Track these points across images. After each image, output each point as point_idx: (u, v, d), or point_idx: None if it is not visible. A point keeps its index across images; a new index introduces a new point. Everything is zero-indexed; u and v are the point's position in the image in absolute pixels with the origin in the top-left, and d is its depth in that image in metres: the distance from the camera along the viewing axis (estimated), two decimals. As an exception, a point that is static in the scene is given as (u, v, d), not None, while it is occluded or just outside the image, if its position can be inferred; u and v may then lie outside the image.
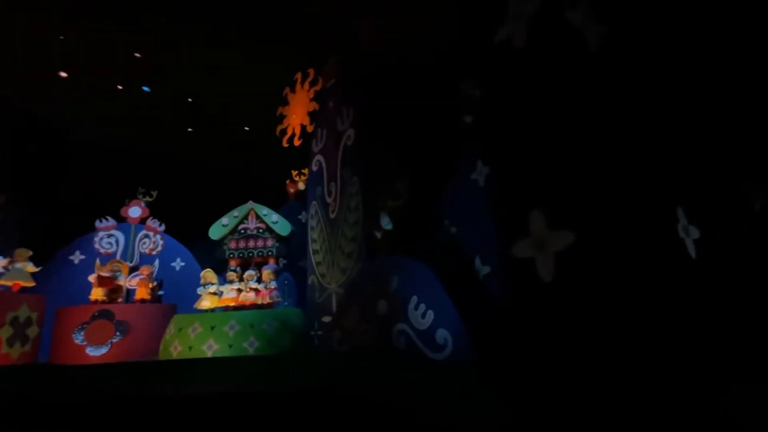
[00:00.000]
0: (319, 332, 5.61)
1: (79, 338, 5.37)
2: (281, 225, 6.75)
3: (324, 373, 3.82)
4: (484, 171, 3.41)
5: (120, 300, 5.95)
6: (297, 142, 6.87)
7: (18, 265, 5.48)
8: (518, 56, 2.14)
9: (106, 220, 6.53)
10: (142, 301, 5.94)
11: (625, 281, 1.88)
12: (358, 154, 5.29)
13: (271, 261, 6.55)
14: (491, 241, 3.09)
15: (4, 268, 5.42)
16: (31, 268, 5.57)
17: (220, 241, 6.66)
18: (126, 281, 6.11)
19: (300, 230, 7.01)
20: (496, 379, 2.44)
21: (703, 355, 1.90)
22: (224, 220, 6.66)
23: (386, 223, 4.32)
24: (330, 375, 3.70)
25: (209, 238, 6.68)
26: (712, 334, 1.93)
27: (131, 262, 6.43)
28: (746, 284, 2.01)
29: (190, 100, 8.53)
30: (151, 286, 6.06)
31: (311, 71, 6.72)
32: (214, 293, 5.78)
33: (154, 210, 6.84)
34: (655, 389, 1.94)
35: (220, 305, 5.71)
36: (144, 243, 6.61)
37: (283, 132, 7.09)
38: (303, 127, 6.75)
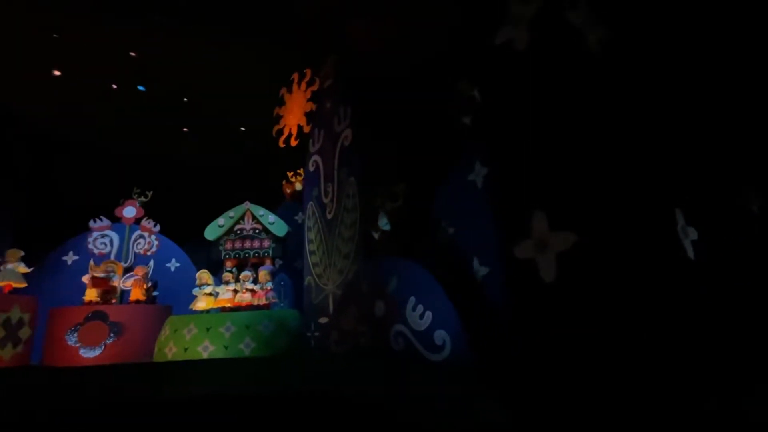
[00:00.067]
0: (316, 333, 5.59)
1: (72, 340, 5.31)
2: (278, 226, 6.72)
3: (321, 375, 3.80)
4: (482, 172, 3.41)
5: (114, 301, 5.89)
6: (294, 143, 6.85)
7: (9, 265, 5.41)
8: (519, 58, 2.15)
9: (101, 220, 6.47)
10: (137, 302, 5.88)
11: (626, 282, 1.88)
12: (356, 155, 5.28)
13: (268, 262, 6.51)
14: (490, 242, 3.09)
15: (-4, 269, 5.35)
16: (22, 268, 5.51)
17: (216, 242, 6.61)
18: (120, 282, 6.05)
19: (296, 231, 6.99)
20: (495, 380, 2.44)
21: (703, 356, 1.91)
22: (220, 220, 6.61)
23: (384, 223, 4.31)
24: (327, 377, 3.69)
25: (205, 239, 6.63)
26: (712, 334, 1.94)
27: (126, 262, 6.37)
28: (746, 285, 2.02)
29: (185, 99, 8.48)
30: (146, 287, 6.01)
31: (308, 71, 6.71)
32: (210, 294, 5.74)
33: (149, 210, 6.78)
34: (656, 390, 1.94)
35: (215, 306, 5.67)
36: (139, 243, 6.55)
37: (280, 132, 7.06)
38: (300, 127, 6.74)
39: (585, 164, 1.98)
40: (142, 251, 6.53)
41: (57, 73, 7.56)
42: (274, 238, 6.67)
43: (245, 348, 5.14)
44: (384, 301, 3.84)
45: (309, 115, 6.57)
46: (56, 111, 7.93)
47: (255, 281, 5.87)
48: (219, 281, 5.97)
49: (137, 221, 6.66)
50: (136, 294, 5.91)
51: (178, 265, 6.88)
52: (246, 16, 6.47)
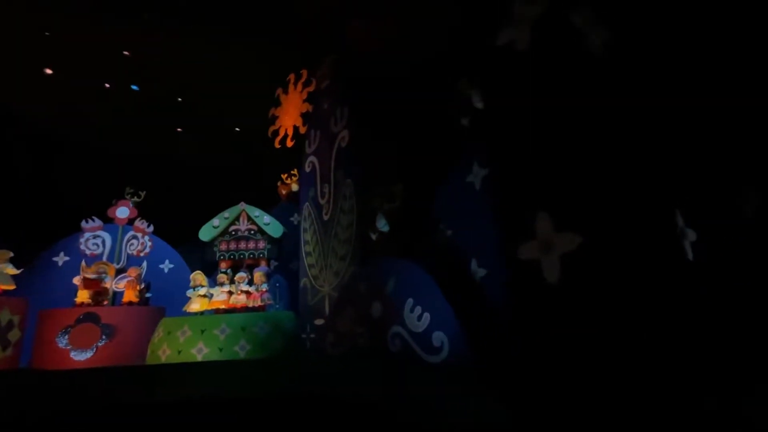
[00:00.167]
0: (312, 335, 5.55)
1: (62, 342, 5.21)
2: (273, 227, 6.67)
3: (317, 377, 3.76)
4: (481, 173, 3.41)
5: (106, 303, 5.80)
6: (289, 144, 6.81)
7: (-2, 267, 5.30)
8: (522, 59, 2.15)
9: (92, 220, 6.37)
10: (130, 303, 5.80)
11: (628, 282, 1.89)
12: (353, 156, 5.27)
13: (263, 263, 6.46)
14: (489, 243, 3.09)
15: (-16, 270, 5.24)
16: (11, 270, 5.39)
17: (211, 243, 6.55)
18: (113, 283, 5.96)
19: (292, 232, 6.95)
20: (495, 380, 2.43)
21: (703, 356, 1.91)
22: (215, 221, 6.56)
23: (383, 224, 4.29)
24: (324, 379, 3.65)
25: (199, 240, 6.57)
26: (712, 334, 1.95)
27: (118, 263, 6.28)
28: (745, 285, 2.03)
29: (180, 99, 8.41)
30: (139, 288, 5.93)
31: (304, 72, 6.69)
32: (204, 296, 5.67)
33: (143, 211, 6.69)
34: (656, 390, 1.94)
35: (210, 308, 5.61)
36: (132, 244, 6.46)
37: (275, 133, 7.03)
38: (296, 128, 6.71)
39: (588, 165, 1.98)
40: (135, 252, 6.44)
41: (49, 71, 7.47)
42: (270, 239, 6.63)
43: (240, 350, 5.09)
44: (381, 303, 3.82)
45: (305, 116, 6.55)
46: (51, 110, 7.82)
47: (250, 283, 5.82)
48: (213, 283, 5.90)
49: (130, 222, 6.57)
50: (129, 295, 5.82)
51: (171, 266, 6.79)
52: (243, 16, 6.45)
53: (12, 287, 5.36)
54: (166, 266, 6.77)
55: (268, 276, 6.18)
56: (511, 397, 2.25)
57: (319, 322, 5.35)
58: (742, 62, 1.99)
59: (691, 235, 2.11)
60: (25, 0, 5.86)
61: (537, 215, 2.04)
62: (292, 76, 6.92)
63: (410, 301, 3.53)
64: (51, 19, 6.21)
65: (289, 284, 6.89)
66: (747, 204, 2.06)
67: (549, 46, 2.10)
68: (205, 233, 6.53)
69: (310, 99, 6.49)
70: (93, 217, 6.39)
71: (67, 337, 5.24)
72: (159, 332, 5.26)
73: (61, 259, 6.36)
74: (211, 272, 6.22)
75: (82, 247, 6.21)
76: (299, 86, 6.75)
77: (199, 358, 4.98)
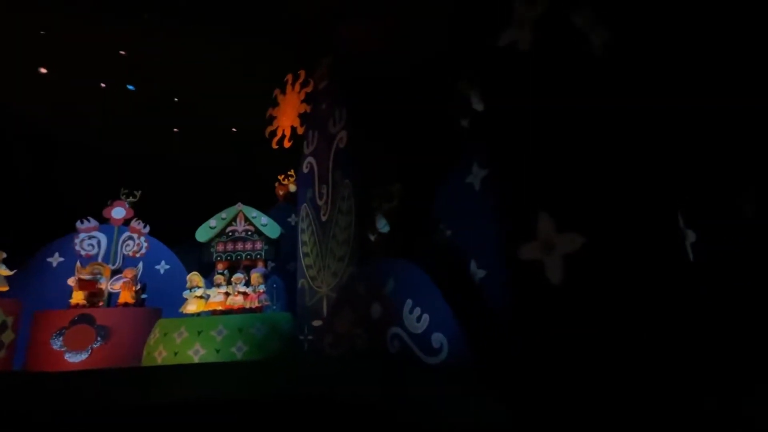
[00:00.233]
0: (309, 337, 5.53)
1: (57, 344, 5.15)
2: (271, 227, 6.64)
3: (316, 378, 3.74)
4: (480, 174, 3.41)
5: (101, 304, 5.74)
6: (287, 144, 6.80)
7: (-9, 268, 5.25)
8: (523, 59, 2.15)
9: (88, 221, 6.31)
10: (125, 305, 5.75)
11: (631, 283, 1.89)
12: (351, 157, 5.26)
13: (260, 264, 6.43)
14: (489, 244, 3.09)
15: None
16: (4, 271, 5.34)
17: (207, 244, 6.51)
18: (108, 284, 5.91)
19: (289, 233, 6.92)
20: (495, 381, 2.42)
21: (703, 356, 1.92)
22: (212, 222, 6.52)
23: (383, 225, 4.28)
24: (322, 380, 3.64)
25: (195, 241, 6.52)
26: (712, 334, 1.95)
27: (114, 264, 6.22)
28: (745, 285, 2.05)
29: (176, 99, 8.36)
30: (135, 289, 5.88)
31: (302, 73, 6.68)
32: (201, 297, 5.63)
33: (139, 211, 6.64)
34: (656, 390, 1.95)
35: (206, 309, 5.57)
36: (127, 245, 6.41)
37: (273, 134, 7.01)
38: (293, 129, 6.69)
39: (589, 165, 1.99)
40: (131, 253, 6.39)
41: (43, 70, 7.40)
42: (267, 240, 6.60)
43: (237, 351, 5.05)
44: (380, 304, 3.81)
45: (303, 117, 6.53)
46: (47, 110, 7.75)
47: (247, 284, 5.79)
48: (210, 284, 5.86)
49: (126, 222, 6.52)
50: (125, 297, 5.77)
51: (167, 267, 6.75)
52: (241, 16, 6.43)
53: (5, 288, 5.31)
54: (162, 267, 6.73)
55: (266, 277, 6.15)
56: (511, 398, 2.25)
57: (317, 323, 5.33)
58: (742, 62, 2.00)
59: (691, 236, 2.13)
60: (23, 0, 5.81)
61: (539, 216, 2.04)
62: (289, 77, 6.90)
63: (409, 302, 3.52)
64: (48, 19, 6.16)
65: (287, 285, 6.87)
66: (747, 204, 2.07)
67: (551, 46, 2.11)
68: (202, 234, 6.49)
69: (307, 100, 6.48)
70: (88, 217, 6.33)
71: (61, 338, 5.18)
72: (155, 334, 5.22)
73: (55, 260, 6.30)
74: (207, 273, 6.19)
75: (77, 247, 6.15)
76: (297, 87, 6.74)
77: (196, 359, 4.94)
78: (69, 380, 4.23)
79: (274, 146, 6.97)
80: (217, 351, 5.00)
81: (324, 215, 5.65)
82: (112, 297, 5.94)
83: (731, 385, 1.87)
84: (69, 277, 5.80)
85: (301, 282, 5.99)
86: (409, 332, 3.47)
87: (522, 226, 2.09)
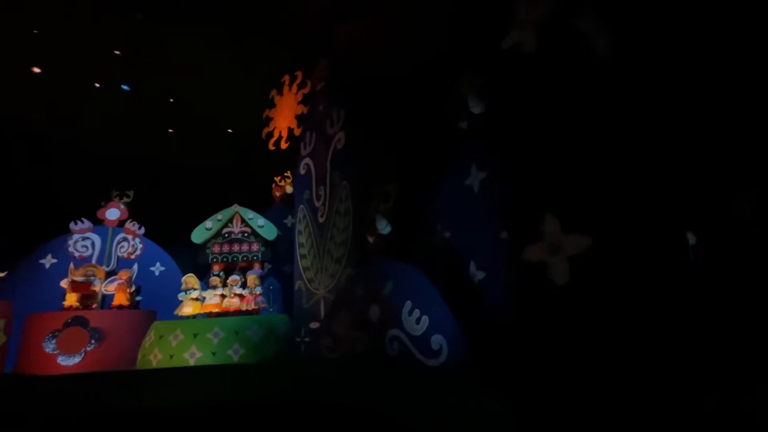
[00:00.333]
0: (306, 339, 5.50)
1: (49, 347, 5.07)
2: (267, 229, 6.60)
3: (314, 381, 3.72)
4: (479, 176, 3.42)
5: (95, 306, 5.67)
6: (284, 145, 6.78)
7: (-18, 270, 5.16)
8: (528, 62, 2.16)
9: (81, 222, 6.23)
10: (120, 307, 5.68)
11: (633, 284, 1.90)
12: (349, 158, 5.25)
13: (257, 266, 6.39)
14: (489, 246, 3.09)
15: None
16: (-4, 272, 5.27)
17: (203, 245, 6.45)
18: (102, 286, 5.83)
19: (286, 234, 6.89)
20: (496, 383, 2.42)
21: (703, 356, 1.93)
22: (208, 223, 6.46)
23: (383, 226, 4.27)
24: (320, 383, 3.61)
25: (191, 242, 6.46)
26: (712, 335, 1.97)
27: (108, 266, 6.15)
28: (745, 286, 2.06)
29: (171, 100, 8.31)
30: (129, 291, 5.81)
31: (299, 74, 6.67)
32: (196, 299, 5.58)
33: (134, 212, 6.57)
34: (656, 390, 1.96)
35: (202, 311, 5.52)
36: (122, 246, 6.33)
37: (270, 135, 6.99)
38: (290, 130, 6.67)
39: (595, 168, 2.00)
40: (125, 255, 6.31)
41: (37, 70, 7.32)
42: (264, 242, 6.56)
43: (234, 354, 5.01)
44: (379, 306, 3.80)
45: (300, 118, 6.52)
46: (40, 110, 7.65)
47: (243, 286, 5.75)
48: (206, 286, 5.81)
49: (121, 224, 6.44)
50: (120, 299, 5.70)
51: (163, 269, 6.68)
52: (238, 16, 6.41)
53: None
54: (157, 269, 6.66)
55: (262, 279, 6.11)
56: (512, 400, 2.25)
57: (314, 325, 5.31)
58: (744, 65, 2.03)
59: (691, 237, 2.14)
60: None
61: (544, 217, 2.04)
62: (287, 78, 6.89)
63: (408, 303, 3.51)
64: (45, 18, 6.10)
65: (283, 287, 6.83)
66: (747, 204, 2.09)
67: (555, 49, 2.12)
68: (198, 235, 6.43)
69: (305, 101, 6.47)
70: (82, 218, 6.26)
71: (54, 341, 5.10)
72: (150, 336, 5.16)
73: (48, 261, 6.20)
74: (203, 275, 6.13)
75: (71, 249, 6.07)
76: (294, 88, 6.73)
77: (192, 362, 4.89)
78: (62, 384, 4.17)
79: (271, 147, 6.95)
80: (214, 354, 4.95)
81: (321, 217, 5.63)
82: (106, 299, 5.87)
83: (731, 385, 1.89)
84: (62, 278, 5.71)
85: (297, 284, 5.96)
86: (408, 334, 3.47)
87: (526, 228, 2.09)
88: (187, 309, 5.46)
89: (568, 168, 2.05)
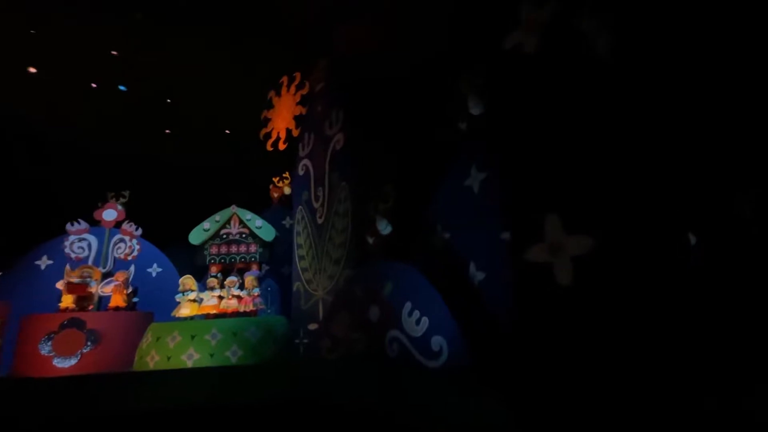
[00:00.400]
0: (305, 340, 5.48)
1: (45, 349, 5.03)
2: (265, 230, 6.58)
3: (313, 382, 3.70)
4: (479, 177, 3.42)
5: (91, 308, 5.63)
6: (282, 146, 6.77)
7: (-23, 271, 5.11)
8: (528, 62, 2.16)
9: (78, 223, 6.19)
10: (117, 308, 5.64)
11: (634, 284, 1.90)
12: (348, 159, 5.24)
13: (254, 267, 6.36)
14: (489, 246, 3.09)
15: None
16: (-8, 273, 5.22)
17: (201, 246, 6.42)
18: (98, 288, 5.79)
19: (284, 236, 6.87)
20: (496, 384, 2.42)
21: (703, 356, 1.94)
22: (205, 224, 6.43)
23: (384, 227, 4.26)
24: (319, 384, 3.60)
25: (189, 243, 6.43)
26: (712, 335, 1.97)
27: (104, 267, 6.11)
28: (745, 286, 2.07)
29: (168, 101, 8.28)
30: (126, 292, 5.77)
31: (297, 75, 6.66)
32: (194, 300, 5.54)
33: (131, 213, 6.54)
34: (656, 390, 1.96)
35: (200, 313, 5.49)
36: (119, 248, 6.29)
37: (268, 136, 6.97)
38: (288, 131, 6.66)
39: (598, 168, 2.00)
40: (122, 256, 6.27)
41: (32, 70, 7.28)
42: (262, 243, 6.53)
43: (232, 356, 4.98)
44: (379, 307, 3.78)
45: (298, 119, 6.51)
46: (37, 111, 7.60)
47: (241, 287, 5.72)
48: (203, 287, 5.78)
49: (117, 225, 6.40)
50: (117, 300, 5.66)
51: (160, 270, 6.65)
52: (236, 17, 6.40)
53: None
54: (155, 270, 6.63)
55: (260, 280, 6.08)
56: (512, 401, 2.24)
57: (312, 326, 5.29)
58: (744, 65, 2.04)
59: (693, 238, 2.15)
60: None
61: (547, 218, 2.04)
62: (285, 79, 6.88)
63: (408, 304, 3.50)
64: (45, 19, 6.06)
65: (281, 288, 6.81)
66: (747, 204, 2.10)
67: (556, 49, 2.12)
68: (196, 236, 6.40)
69: (303, 102, 6.46)
70: (79, 219, 6.21)
71: (50, 343, 5.06)
72: (147, 338, 5.12)
73: (44, 262, 6.16)
74: (201, 276, 6.10)
75: (67, 250, 6.02)
76: (292, 89, 6.72)
77: (190, 364, 4.85)
78: (58, 386, 4.13)
79: (269, 148, 6.94)
80: (212, 355, 4.92)
81: (320, 218, 5.62)
82: (103, 301, 5.82)
83: (731, 385, 1.89)
84: (58, 280, 5.67)
85: (296, 285, 5.94)
86: (408, 335, 3.45)
87: (529, 229, 2.09)
88: (185, 310, 5.43)
89: (568, 168, 2.06)
